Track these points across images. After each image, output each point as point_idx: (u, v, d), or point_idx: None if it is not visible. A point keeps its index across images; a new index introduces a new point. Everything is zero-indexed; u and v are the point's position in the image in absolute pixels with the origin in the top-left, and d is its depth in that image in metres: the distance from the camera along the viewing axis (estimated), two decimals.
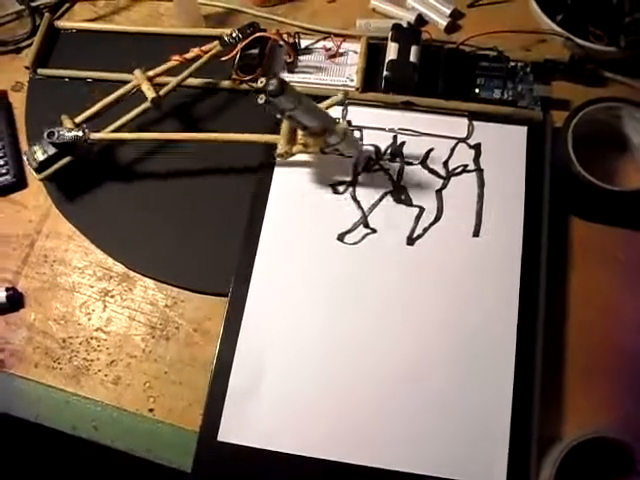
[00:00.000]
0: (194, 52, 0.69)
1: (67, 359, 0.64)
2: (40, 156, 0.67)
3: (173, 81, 0.69)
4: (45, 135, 0.65)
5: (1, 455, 0.91)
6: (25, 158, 0.69)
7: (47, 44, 0.78)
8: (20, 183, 0.72)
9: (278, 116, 0.58)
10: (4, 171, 0.71)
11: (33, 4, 0.80)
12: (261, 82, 0.52)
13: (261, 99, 0.52)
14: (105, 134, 0.67)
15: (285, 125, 0.64)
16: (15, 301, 0.66)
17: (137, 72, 0.69)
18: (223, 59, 0.69)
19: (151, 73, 0.69)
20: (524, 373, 0.57)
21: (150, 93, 0.68)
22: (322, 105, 0.61)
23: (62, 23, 0.79)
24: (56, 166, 0.68)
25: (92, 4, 0.82)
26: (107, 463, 0.73)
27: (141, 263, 0.66)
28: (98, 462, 0.80)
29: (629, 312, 0.60)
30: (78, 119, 0.69)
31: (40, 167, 0.67)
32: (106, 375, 0.63)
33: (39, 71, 0.76)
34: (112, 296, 0.66)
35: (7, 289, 0.66)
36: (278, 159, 0.65)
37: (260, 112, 0.68)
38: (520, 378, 0.57)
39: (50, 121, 0.72)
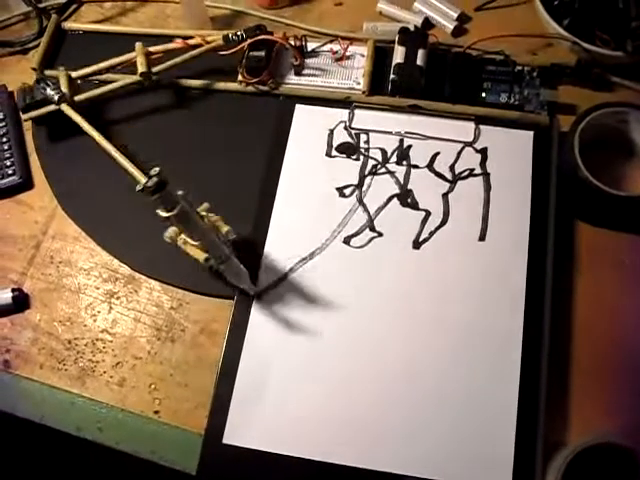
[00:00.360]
0: (196, 40, 0.71)
1: (72, 360, 0.64)
2: (27, 99, 0.70)
3: (170, 61, 0.70)
4: (35, 81, 0.70)
5: (6, 455, 0.91)
6: (16, 96, 0.72)
7: (54, 45, 0.78)
8: (26, 184, 0.72)
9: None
10: (10, 172, 0.71)
11: (40, 5, 0.80)
12: (153, 171, 0.49)
13: (139, 187, 0.49)
14: (73, 113, 0.69)
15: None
16: (21, 302, 0.66)
17: (138, 45, 0.71)
18: (222, 53, 0.70)
19: (151, 49, 0.71)
20: (530, 378, 0.57)
21: (142, 68, 0.69)
22: (209, 223, 0.58)
23: (69, 24, 0.79)
24: (41, 111, 0.70)
25: (99, 5, 0.82)
26: (112, 465, 0.73)
27: (147, 265, 0.66)
28: (103, 464, 0.80)
29: (636, 317, 0.60)
30: (75, 74, 0.72)
31: (26, 108, 0.71)
32: (111, 377, 0.63)
33: (46, 72, 0.76)
34: (118, 298, 0.66)
35: (13, 290, 0.66)
36: None
37: (265, 115, 0.70)
38: (526, 383, 0.57)
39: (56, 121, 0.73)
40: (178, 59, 0.70)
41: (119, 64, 0.72)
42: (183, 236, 0.56)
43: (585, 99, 0.68)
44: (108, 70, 0.72)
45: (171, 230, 0.57)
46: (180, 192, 0.52)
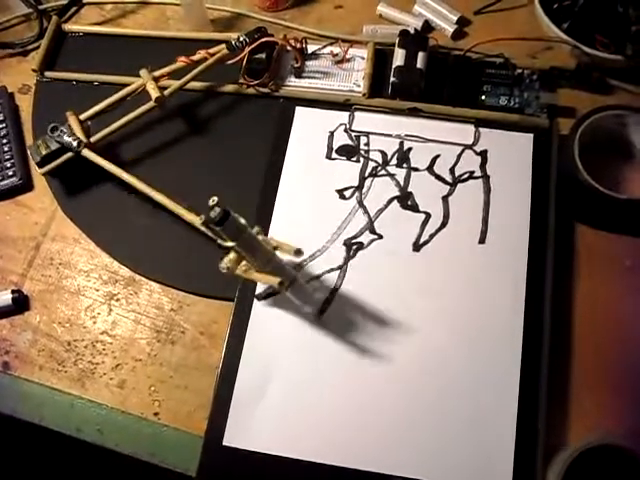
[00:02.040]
0: (200, 54, 0.70)
1: (72, 362, 0.64)
2: (43, 150, 0.68)
3: (178, 82, 0.69)
4: (49, 130, 0.67)
5: (6, 457, 0.90)
6: (29, 152, 0.69)
7: (54, 47, 0.78)
8: (26, 185, 0.72)
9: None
10: (10, 173, 0.71)
11: (41, 7, 0.81)
12: (212, 201, 0.48)
13: (201, 219, 0.49)
14: (95, 155, 0.68)
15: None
16: (20, 303, 0.66)
17: (143, 72, 0.69)
18: (229, 62, 0.69)
19: (157, 73, 0.69)
20: (530, 380, 0.57)
21: (155, 92, 0.68)
22: (271, 246, 0.56)
23: (69, 26, 0.79)
24: (58, 162, 0.68)
25: (100, 7, 0.82)
26: (111, 467, 0.73)
27: (147, 266, 0.66)
28: (102, 466, 0.80)
29: (636, 319, 0.60)
30: (83, 116, 0.69)
31: (42, 161, 0.68)
32: (111, 378, 0.63)
33: (46, 74, 0.76)
34: (117, 299, 0.66)
35: (13, 291, 0.66)
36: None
37: (265, 117, 0.70)
38: (526, 385, 0.57)
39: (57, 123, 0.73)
40: (187, 77, 0.69)
41: (127, 95, 0.70)
42: (244, 264, 0.55)
43: (585, 102, 0.68)
44: (116, 104, 0.71)
45: (227, 260, 0.55)
46: (242, 219, 0.51)
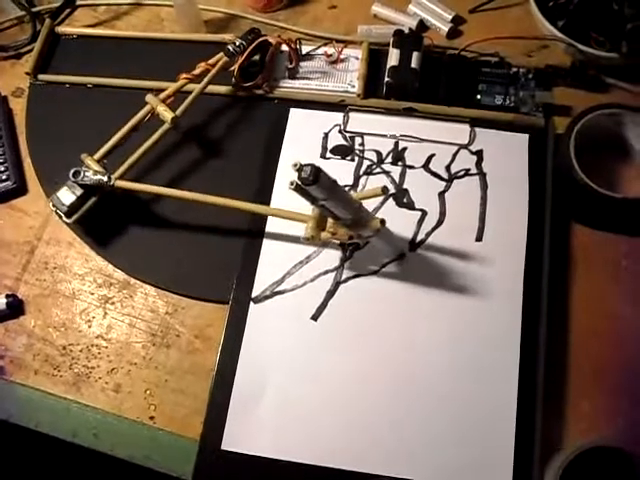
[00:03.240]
0: (201, 67, 0.69)
1: (67, 366, 0.63)
2: (68, 199, 0.65)
3: (188, 99, 0.68)
4: (71, 175, 0.64)
5: (1, 463, 0.90)
6: (51, 204, 0.65)
7: (48, 50, 0.78)
8: (20, 189, 0.71)
9: (309, 203, 0.53)
10: (4, 177, 0.71)
11: (34, 10, 0.80)
12: (294, 166, 0.47)
13: (292, 184, 0.48)
14: (131, 183, 0.66)
15: (317, 210, 0.57)
16: (15, 308, 0.66)
17: (149, 97, 0.67)
18: (231, 69, 0.69)
19: (162, 96, 0.67)
20: (527, 380, 0.57)
21: (168, 114, 0.66)
22: (358, 196, 0.57)
23: (63, 29, 0.79)
24: (85, 207, 0.66)
25: (93, 10, 0.81)
26: (107, 471, 0.73)
27: (142, 270, 0.66)
28: (98, 470, 0.79)
29: (632, 319, 0.60)
30: (97, 155, 0.66)
31: (69, 211, 0.65)
32: (107, 383, 0.62)
33: (40, 77, 0.76)
34: (112, 303, 0.65)
35: (7, 296, 0.65)
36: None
37: (259, 118, 0.70)
38: (523, 386, 0.57)
39: (50, 128, 0.73)
40: (196, 92, 0.68)
41: (138, 124, 0.68)
42: (330, 225, 0.56)
43: (580, 101, 0.67)
44: (127, 136, 0.68)
45: (309, 229, 0.56)
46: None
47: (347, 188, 0.65)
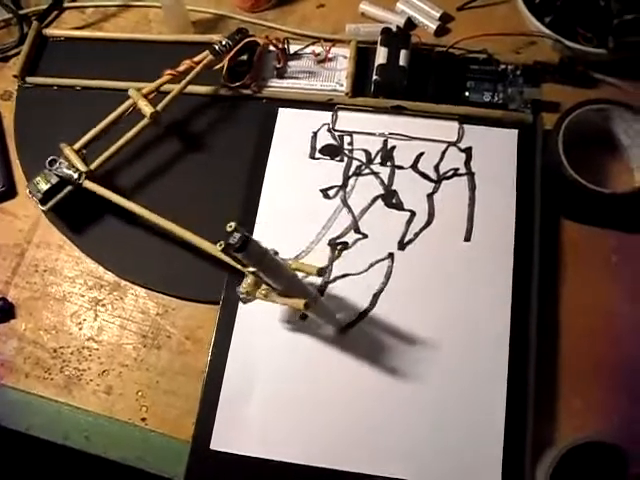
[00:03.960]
0: (186, 64, 0.69)
1: (58, 369, 0.63)
2: (44, 186, 0.65)
3: (170, 95, 0.67)
4: (47, 163, 0.65)
5: None
6: (28, 191, 0.67)
7: (35, 52, 0.77)
8: (10, 192, 0.71)
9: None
10: None
11: (21, 12, 0.80)
12: (229, 227, 0.46)
13: (220, 246, 0.47)
14: (97, 187, 0.66)
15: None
16: (5, 311, 0.66)
17: (132, 91, 0.68)
18: (216, 68, 0.69)
19: (145, 90, 0.68)
20: (517, 377, 0.57)
21: (148, 109, 0.66)
22: (292, 267, 0.55)
23: (50, 31, 0.79)
24: (60, 195, 0.66)
25: (81, 12, 0.81)
26: (99, 473, 0.73)
27: (132, 272, 0.66)
28: (90, 472, 0.79)
29: (622, 314, 0.60)
30: (77, 145, 0.67)
31: (44, 197, 0.66)
32: (98, 385, 0.62)
33: (28, 79, 0.76)
34: (103, 305, 0.65)
35: None
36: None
37: (248, 119, 0.70)
38: (513, 382, 0.57)
39: (39, 130, 0.73)
40: (178, 88, 0.68)
41: (119, 117, 0.68)
42: (263, 288, 0.54)
43: (569, 96, 0.67)
44: (108, 128, 0.68)
45: (245, 285, 0.54)
46: (260, 243, 0.49)
47: (336, 189, 0.65)
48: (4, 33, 0.81)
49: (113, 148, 0.67)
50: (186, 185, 0.68)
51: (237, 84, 0.70)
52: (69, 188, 0.66)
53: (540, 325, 0.59)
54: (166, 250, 0.66)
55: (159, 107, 0.67)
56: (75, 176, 0.65)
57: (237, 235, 0.46)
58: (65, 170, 0.65)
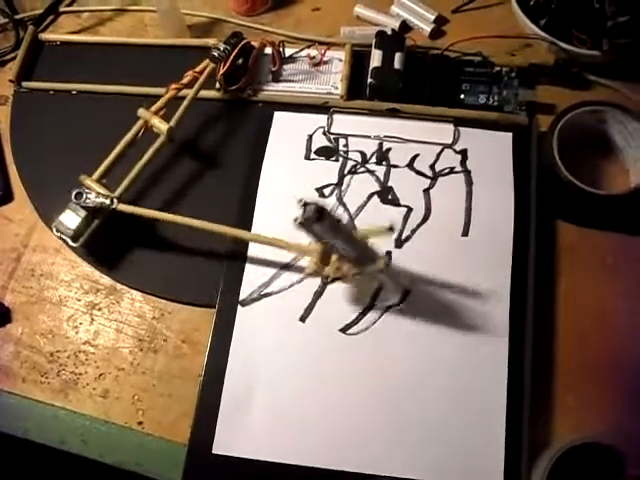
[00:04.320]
0: (189, 76, 0.68)
1: (55, 373, 0.63)
2: (74, 222, 0.63)
3: (181, 109, 0.67)
4: (73, 197, 0.63)
5: None
6: (55, 230, 0.64)
7: (31, 57, 0.77)
8: (6, 197, 0.71)
9: (313, 238, 0.52)
10: None
11: (17, 17, 0.80)
12: (299, 202, 0.46)
13: (296, 220, 0.47)
14: (133, 207, 0.64)
15: (319, 245, 0.56)
16: (2, 316, 0.65)
17: (141, 111, 0.66)
18: (220, 74, 0.68)
19: (154, 108, 0.66)
20: (515, 376, 0.57)
21: (163, 126, 0.65)
22: (363, 233, 0.56)
23: (46, 35, 0.79)
24: (91, 228, 0.65)
25: (76, 16, 0.81)
26: (96, 477, 0.72)
27: (128, 275, 0.66)
28: (87, 476, 0.79)
29: (619, 315, 0.60)
30: (96, 175, 0.65)
31: (76, 234, 0.64)
32: (94, 388, 0.62)
33: (24, 84, 0.76)
34: (99, 309, 0.65)
35: None
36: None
37: (243, 122, 0.70)
38: (511, 382, 0.57)
39: (35, 135, 0.73)
40: (186, 102, 0.67)
41: (133, 139, 0.66)
42: (335, 261, 0.54)
43: (564, 98, 0.68)
44: (124, 152, 0.66)
45: (312, 264, 0.55)
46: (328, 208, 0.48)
47: (331, 187, 0.65)
48: (0, 38, 0.81)
49: (134, 171, 0.65)
50: (181, 188, 0.68)
51: (233, 88, 0.70)
52: (97, 222, 0.65)
53: (536, 325, 0.59)
54: (162, 253, 0.66)
55: (172, 122, 0.66)
56: (107, 202, 0.63)
57: (311, 207, 0.46)
58: (95, 199, 0.63)
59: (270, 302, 0.62)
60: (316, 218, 0.46)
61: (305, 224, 0.47)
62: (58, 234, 0.64)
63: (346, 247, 0.52)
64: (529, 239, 0.62)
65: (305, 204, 0.46)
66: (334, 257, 0.56)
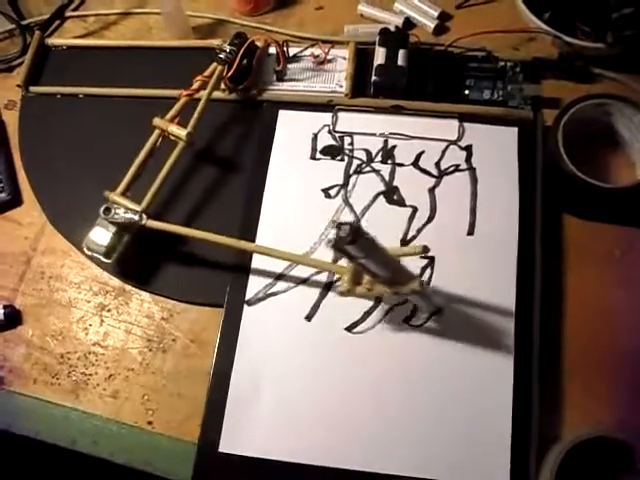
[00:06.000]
0: (199, 80, 0.68)
1: (65, 374, 0.64)
2: (105, 239, 0.63)
3: (196, 113, 0.66)
4: (101, 212, 0.62)
5: (3, 472, 0.91)
6: (86, 249, 0.63)
7: (38, 62, 0.78)
8: (15, 201, 0.72)
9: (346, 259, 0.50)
10: None
11: (24, 23, 0.81)
12: (334, 223, 0.46)
13: (329, 242, 0.45)
14: (161, 223, 0.63)
15: (350, 265, 0.55)
16: (13, 318, 0.66)
17: (157, 120, 0.66)
18: (229, 74, 0.68)
19: (169, 117, 0.66)
20: (522, 372, 0.57)
21: (181, 132, 0.65)
22: (395, 253, 0.54)
23: (53, 40, 0.79)
24: (123, 243, 0.64)
25: (82, 20, 0.82)
26: (107, 477, 0.73)
27: (137, 277, 0.66)
28: (99, 476, 0.80)
29: (626, 309, 0.60)
30: (120, 189, 0.64)
31: (108, 250, 0.63)
32: (104, 389, 0.63)
33: (31, 89, 0.76)
34: (109, 310, 0.66)
35: (4, 306, 0.66)
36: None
37: (248, 122, 0.70)
38: (518, 378, 0.57)
39: (43, 139, 0.74)
40: (201, 106, 0.66)
41: (152, 149, 0.66)
42: (366, 281, 0.53)
43: (569, 92, 0.67)
44: (145, 164, 0.66)
45: (345, 283, 0.54)
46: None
47: (337, 188, 0.65)
48: (7, 44, 0.82)
49: (159, 180, 0.65)
50: (188, 190, 0.69)
51: (237, 88, 0.70)
52: (127, 237, 0.65)
53: (543, 319, 0.59)
54: (170, 254, 0.66)
55: (190, 127, 0.65)
56: (136, 218, 0.62)
57: (346, 228, 0.44)
58: (124, 215, 0.62)
59: (276, 301, 0.62)
60: (351, 240, 0.44)
61: (339, 245, 0.45)
62: (89, 253, 0.63)
63: (379, 267, 0.51)
64: (535, 234, 0.61)
65: (339, 225, 0.44)
66: (366, 277, 0.55)
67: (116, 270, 0.67)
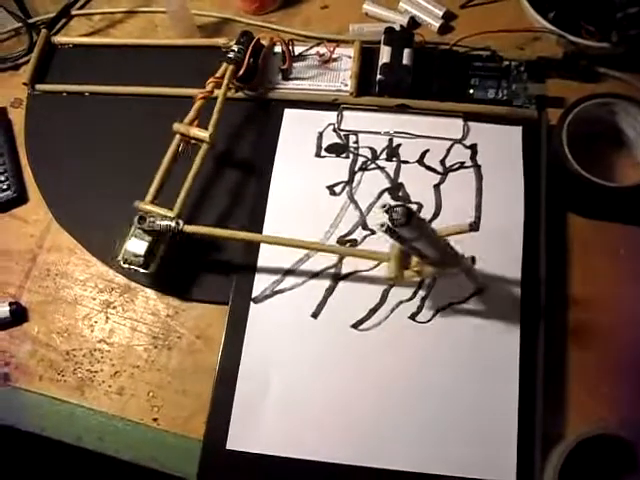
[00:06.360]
0: (212, 82, 0.67)
1: (71, 371, 0.64)
2: (141, 248, 0.61)
3: (215, 114, 0.66)
4: (136, 222, 0.61)
5: (9, 468, 0.91)
6: (122, 261, 0.62)
7: (44, 60, 0.78)
8: (21, 198, 0.72)
9: (395, 242, 0.50)
10: (5, 187, 0.72)
11: (30, 21, 0.81)
12: (384, 206, 0.44)
13: (382, 226, 0.45)
14: (198, 227, 0.62)
15: (397, 248, 0.55)
16: (19, 315, 0.66)
17: (176, 125, 0.65)
18: (240, 73, 0.68)
19: (188, 120, 0.65)
20: (527, 370, 0.57)
21: (203, 133, 0.64)
22: (442, 233, 0.53)
23: (59, 38, 0.80)
24: (160, 251, 0.63)
25: (88, 19, 0.82)
26: (113, 473, 0.73)
27: (142, 274, 0.66)
28: (104, 472, 0.80)
29: (631, 307, 0.60)
30: (149, 198, 0.63)
31: (146, 260, 0.62)
32: (110, 386, 0.63)
33: (37, 87, 0.77)
34: (114, 307, 0.66)
35: (10, 303, 0.66)
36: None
37: (254, 120, 0.70)
38: (523, 376, 0.57)
39: (49, 137, 0.74)
40: (218, 106, 0.66)
41: (175, 155, 0.65)
42: (415, 263, 0.53)
43: (573, 91, 0.68)
44: (169, 170, 0.65)
45: (391, 270, 0.53)
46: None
47: (342, 184, 0.66)
48: (14, 42, 0.82)
49: (187, 184, 0.64)
50: (195, 185, 0.69)
51: (243, 87, 0.70)
52: (163, 247, 0.64)
53: (548, 318, 0.59)
54: (175, 251, 0.66)
55: (211, 129, 0.65)
56: (173, 224, 0.60)
57: (399, 210, 0.44)
58: (160, 222, 0.60)
59: (282, 299, 0.62)
60: (404, 222, 0.44)
61: (393, 228, 0.45)
62: (127, 266, 0.62)
63: (430, 248, 0.50)
64: (540, 232, 0.62)
65: (391, 208, 0.44)
66: (414, 260, 0.54)
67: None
